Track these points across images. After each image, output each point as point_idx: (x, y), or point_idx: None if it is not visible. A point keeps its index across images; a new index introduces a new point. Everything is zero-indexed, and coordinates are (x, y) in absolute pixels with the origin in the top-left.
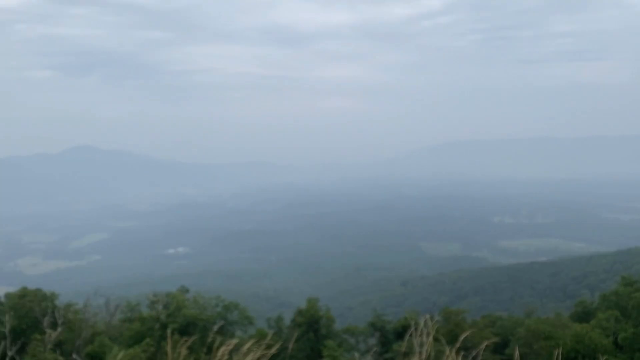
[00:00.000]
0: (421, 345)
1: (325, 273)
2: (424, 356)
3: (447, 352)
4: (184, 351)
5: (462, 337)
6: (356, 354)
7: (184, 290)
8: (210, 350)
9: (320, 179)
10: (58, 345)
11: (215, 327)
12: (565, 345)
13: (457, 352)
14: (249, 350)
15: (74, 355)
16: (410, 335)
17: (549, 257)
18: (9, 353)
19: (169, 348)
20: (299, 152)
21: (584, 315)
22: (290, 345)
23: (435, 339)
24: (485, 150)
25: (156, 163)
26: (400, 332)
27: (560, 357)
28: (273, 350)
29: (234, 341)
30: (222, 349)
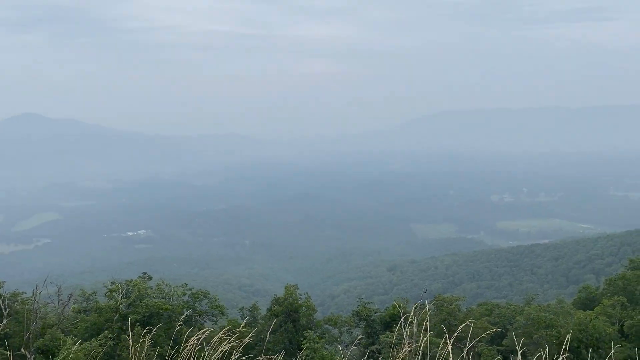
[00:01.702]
0: (411, 336)
1: (305, 258)
2: (414, 348)
3: (441, 343)
4: (146, 344)
5: (459, 329)
6: (339, 346)
7: (146, 277)
8: (176, 343)
9: (301, 154)
10: (3, 339)
11: (182, 318)
12: (568, 334)
13: (453, 343)
14: (221, 341)
15: (22, 350)
16: (399, 325)
17: (552, 239)
18: None
19: (130, 341)
20: (277, 124)
21: (588, 302)
22: (266, 337)
23: (427, 330)
24: (485, 122)
25: (113, 134)
26: (388, 322)
27: (563, 348)
28: (246, 340)
29: (205, 331)
30: (192, 339)
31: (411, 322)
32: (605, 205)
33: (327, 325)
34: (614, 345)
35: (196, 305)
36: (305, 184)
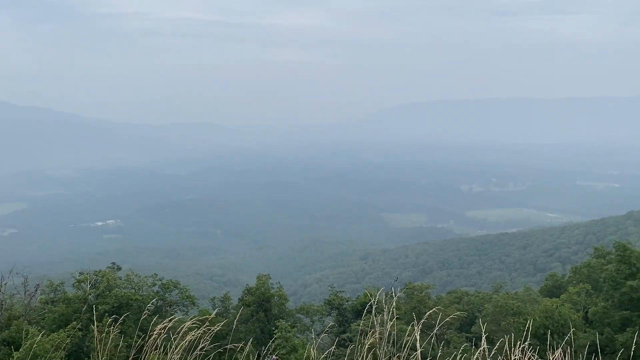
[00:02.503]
0: (382, 324)
1: (278, 248)
2: (385, 335)
3: (408, 329)
4: (115, 335)
5: (426, 315)
6: (311, 335)
7: (115, 267)
8: (146, 333)
9: (273, 143)
10: None
11: (151, 308)
12: (534, 321)
13: (421, 331)
14: (189, 330)
15: None
16: (370, 313)
17: (520, 229)
18: None
19: (95, 331)
20: (250, 113)
21: (554, 290)
22: (237, 326)
23: (397, 317)
24: (455, 112)
25: (80, 122)
26: (360, 311)
27: (528, 334)
28: (214, 329)
29: (171, 319)
30: (158, 327)
31: (382, 310)
32: (572, 195)
33: (299, 315)
34: (579, 332)
35: (166, 295)
36: (278, 173)
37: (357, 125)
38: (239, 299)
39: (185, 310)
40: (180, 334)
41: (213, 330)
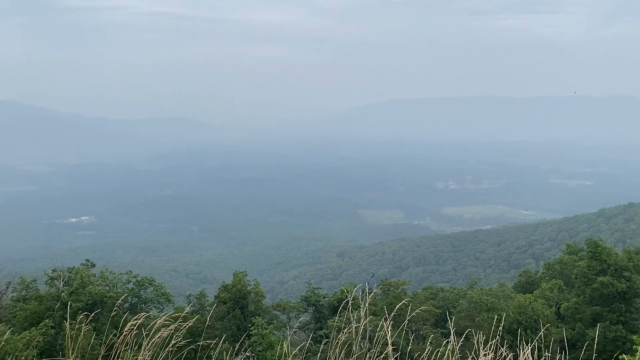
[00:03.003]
0: (358, 320)
1: (254, 244)
2: (360, 331)
3: (382, 324)
4: (88, 333)
5: (396, 309)
6: (288, 332)
7: (89, 264)
8: (121, 331)
9: (250, 140)
10: None
11: (124, 305)
12: (508, 317)
13: (397, 326)
14: (162, 326)
15: None
16: (347, 309)
17: (494, 225)
18: None
19: (67, 329)
20: (226, 108)
21: (527, 286)
22: (213, 324)
23: (374, 313)
24: (432, 110)
25: (55, 117)
26: (336, 307)
27: (500, 329)
28: (186, 325)
29: (141, 316)
30: (129, 324)
31: (358, 306)
32: (546, 193)
33: (275, 311)
34: (552, 327)
35: (141, 293)
36: (254, 170)
37: (335, 122)
38: (215, 296)
39: (161, 307)
40: (152, 331)
41: (185, 326)
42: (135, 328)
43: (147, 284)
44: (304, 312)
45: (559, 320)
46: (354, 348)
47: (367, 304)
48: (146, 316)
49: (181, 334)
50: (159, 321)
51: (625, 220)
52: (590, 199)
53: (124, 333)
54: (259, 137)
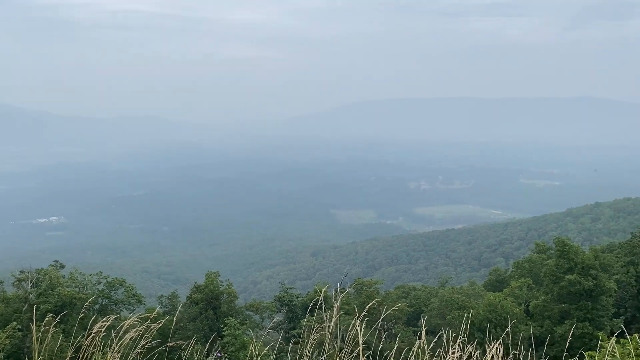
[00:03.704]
0: (331, 319)
1: (227, 244)
2: (333, 330)
3: (353, 323)
4: (57, 335)
5: (367, 308)
6: (261, 332)
7: (58, 265)
8: (89, 333)
9: (223, 139)
10: None
11: (94, 306)
12: (478, 315)
13: (369, 325)
14: (131, 327)
15: None
16: (318, 309)
17: (465, 225)
18: None
19: (34, 331)
20: (200, 107)
21: (497, 284)
22: (174, 323)
23: (347, 313)
24: (404, 111)
25: (21, 114)
26: (310, 307)
27: (467, 326)
28: (155, 326)
29: (109, 317)
30: (97, 326)
31: (331, 306)
32: (515, 193)
33: (248, 312)
34: (520, 325)
35: (112, 294)
36: (227, 169)
37: (308, 122)
38: (187, 296)
39: (132, 308)
40: (120, 332)
41: (154, 328)
42: (103, 330)
43: (118, 285)
44: (277, 312)
45: (528, 318)
46: (326, 347)
47: (338, 303)
48: (116, 317)
49: (151, 334)
50: (127, 322)
51: (592, 220)
52: (558, 198)
53: (92, 335)
54: (232, 136)
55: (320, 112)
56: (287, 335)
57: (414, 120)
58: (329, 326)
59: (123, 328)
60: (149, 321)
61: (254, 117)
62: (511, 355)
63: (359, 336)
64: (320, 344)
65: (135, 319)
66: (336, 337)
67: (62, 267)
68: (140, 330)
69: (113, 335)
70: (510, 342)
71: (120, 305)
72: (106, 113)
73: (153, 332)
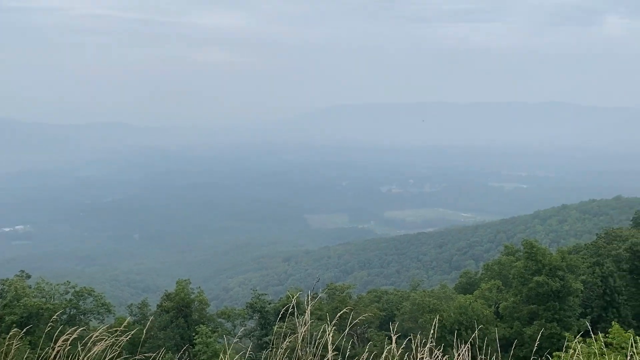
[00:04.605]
0: (304, 325)
1: (199, 251)
2: (306, 336)
3: (323, 328)
4: (23, 347)
5: (338, 315)
6: (233, 339)
7: (24, 275)
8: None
9: (194, 145)
10: None
11: (62, 317)
12: (449, 317)
13: (342, 330)
14: (99, 339)
15: None
16: (288, 315)
17: (436, 228)
18: None
19: None
20: (169, 113)
21: (468, 286)
22: (156, 333)
23: (319, 318)
24: (375, 115)
25: None
26: (282, 313)
27: (438, 329)
28: (125, 338)
29: (76, 329)
30: (62, 338)
31: (304, 311)
32: (484, 196)
33: (220, 319)
34: (491, 326)
35: (80, 303)
36: (199, 175)
37: (280, 127)
38: (157, 305)
39: (101, 318)
40: (88, 344)
41: (123, 339)
42: (69, 342)
43: (87, 294)
44: (250, 318)
45: (498, 319)
46: (299, 353)
47: (309, 309)
48: (83, 329)
49: (119, 346)
50: (95, 335)
51: (559, 222)
52: (526, 201)
53: (56, 348)
54: (204, 141)
55: (291, 116)
56: (259, 342)
57: (386, 125)
58: (301, 332)
59: (91, 340)
60: (117, 332)
61: (225, 122)
62: (479, 358)
63: (329, 342)
64: (292, 350)
65: (104, 332)
66: (308, 343)
67: (28, 277)
68: (109, 342)
69: (79, 348)
70: (477, 345)
71: (89, 315)
72: (73, 119)
73: (122, 343)
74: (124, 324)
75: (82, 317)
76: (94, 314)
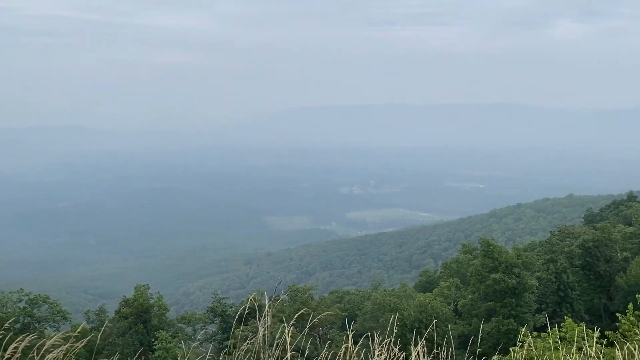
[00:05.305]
0: (265, 328)
1: (157, 256)
2: (267, 338)
3: (281, 329)
4: None
5: (295, 316)
6: (194, 344)
7: None
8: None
9: (150, 148)
10: None
11: (15, 326)
12: (410, 316)
13: (303, 331)
14: (53, 347)
15: None
16: (254, 318)
17: (396, 228)
18: None
19: None
20: (125, 116)
21: (427, 285)
22: (114, 340)
23: (281, 320)
24: (334, 117)
25: None
26: (243, 316)
27: (398, 328)
28: (81, 345)
29: (25, 336)
30: (11, 347)
31: (265, 313)
32: (442, 196)
33: (180, 324)
34: (450, 324)
35: (34, 311)
36: (156, 178)
37: (239, 129)
38: (115, 311)
39: (57, 326)
40: (41, 352)
41: (78, 346)
42: (20, 350)
43: (41, 302)
44: (211, 323)
45: (457, 316)
46: (261, 356)
47: (271, 311)
48: (34, 336)
49: (74, 353)
50: (49, 342)
51: (515, 220)
52: (483, 200)
53: (5, 356)
54: (160, 145)
55: (250, 118)
56: (220, 346)
57: (345, 127)
58: (264, 335)
59: (44, 347)
60: (72, 339)
61: (183, 125)
62: (432, 354)
63: (287, 343)
64: (252, 352)
65: (58, 338)
66: (270, 345)
67: None
68: (63, 349)
69: (31, 356)
70: (435, 342)
71: (44, 323)
72: (26, 122)
73: (77, 350)
74: (78, 330)
75: (36, 325)
76: (49, 322)
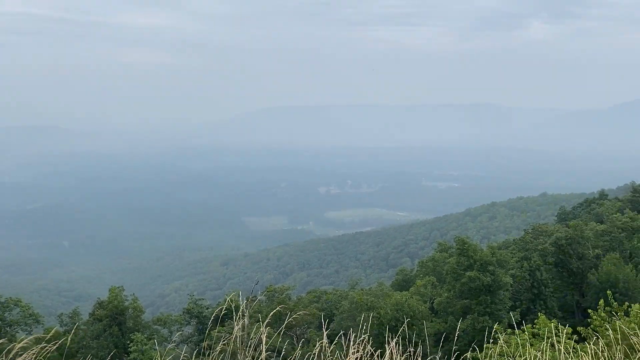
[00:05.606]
0: (242, 328)
1: (132, 258)
2: (245, 339)
3: (257, 329)
4: None
5: (271, 314)
6: (169, 346)
7: None
8: None
9: (126, 148)
10: None
11: None
12: (386, 315)
13: (283, 333)
14: (24, 350)
15: None
16: (230, 319)
17: (373, 227)
18: None
19: None
20: (98, 115)
21: (404, 283)
22: (88, 343)
23: (258, 321)
24: (312, 117)
25: None
26: (220, 317)
27: (374, 326)
28: (53, 347)
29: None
30: None
31: (242, 314)
32: (418, 195)
33: (156, 326)
34: (426, 321)
35: (6, 315)
36: (131, 179)
37: (216, 129)
38: (90, 313)
39: (29, 329)
40: (10, 355)
41: (50, 349)
42: None
43: (13, 305)
44: (187, 324)
45: (433, 314)
46: (237, 357)
47: (248, 311)
48: (4, 340)
49: (46, 357)
50: (18, 345)
51: (489, 218)
52: (458, 199)
53: None
54: (136, 145)
55: (227, 118)
56: (196, 347)
57: (323, 127)
58: (241, 335)
59: (13, 351)
60: (44, 342)
61: (159, 125)
62: (407, 352)
63: (263, 343)
64: (227, 353)
65: (27, 341)
66: (247, 346)
67: None
68: (34, 353)
69: (4, 358)
70: (413, 340)
71: (15, 327)
72: None
73: (48, 353)
74: (51, 333)
75: (7, 329)
76: (21, 325)
